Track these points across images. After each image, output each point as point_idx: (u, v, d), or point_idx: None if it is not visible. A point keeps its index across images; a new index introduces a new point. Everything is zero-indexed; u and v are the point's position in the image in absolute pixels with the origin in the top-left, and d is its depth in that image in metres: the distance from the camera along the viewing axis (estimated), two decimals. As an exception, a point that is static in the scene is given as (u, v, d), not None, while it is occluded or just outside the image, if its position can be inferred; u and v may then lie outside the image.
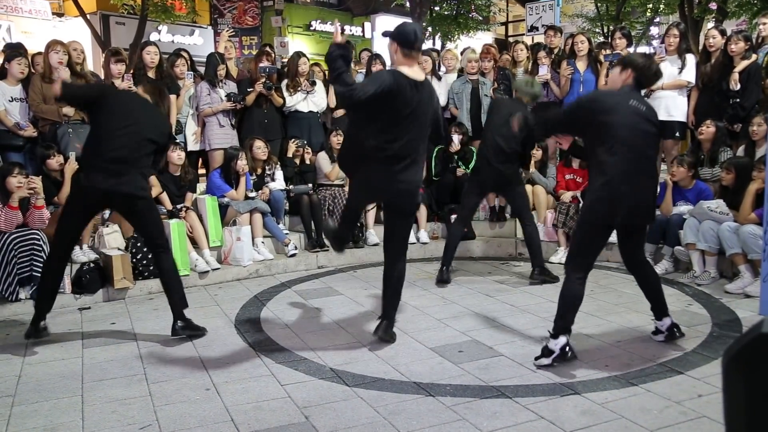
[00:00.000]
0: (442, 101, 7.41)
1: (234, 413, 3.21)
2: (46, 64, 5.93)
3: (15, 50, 6.21)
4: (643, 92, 6.73)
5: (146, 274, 5.55)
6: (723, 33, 6.74)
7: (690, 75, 6.57)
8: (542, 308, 4.86)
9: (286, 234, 6.49)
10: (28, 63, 6.08)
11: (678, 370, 3.62)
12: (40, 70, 6.01)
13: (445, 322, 4.61)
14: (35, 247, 4.98)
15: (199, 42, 17.46)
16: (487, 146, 5.64)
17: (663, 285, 5.34)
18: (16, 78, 5.98)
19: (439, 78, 7.49)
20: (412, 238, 6.85)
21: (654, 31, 19.42)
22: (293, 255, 6.36)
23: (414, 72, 3.87)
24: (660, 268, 5.74)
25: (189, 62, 6.92)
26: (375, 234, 6.80)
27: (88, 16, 14.08)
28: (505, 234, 7.01)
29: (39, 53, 6.26)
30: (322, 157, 7.00)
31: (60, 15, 16.40)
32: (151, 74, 6.48)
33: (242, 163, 6.35)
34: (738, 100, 6.30)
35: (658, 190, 6.34)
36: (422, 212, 6.97)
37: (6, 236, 4.91)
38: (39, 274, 4.98)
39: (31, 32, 14.91)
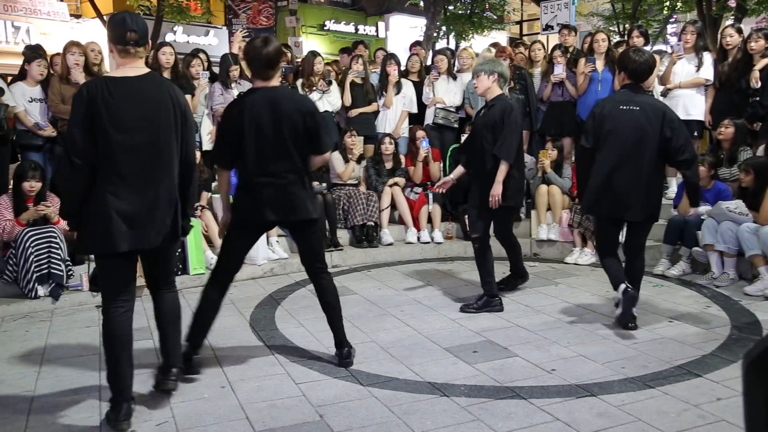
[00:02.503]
0: (457, 101, 7.40)
1: (249, 411, 3.22)
2: (64, 65, 6.00)
3: (34, 52, 6.28)
4: (660, 90, 6.75)
5: (162, 272, 5.58)
6: (739, 31, 6.68)
7: (708, 73, 6.51)
8: (557, 308, 4.84)
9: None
10: (47, 64, 6.16)
11: (696, 373, 3.58)
12: (59, 71, 6.08)
13: (460, 322, 4.60)
14: (52, 244, 5.05)
15: (214, 42, 17.53)
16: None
17: (680, 286, 5.36)
18: (35, 79, 6.05)
19: (455, 77, 7.47)
20: (426, 238, 6.86)
21: (671, 29, 19.24)
22: (308, 254, 6.36)
23: None
24: (677, 270, 5.70)
25: (205, 62, 6.97)
26: (389, 234, 6.80)
27: (105, 17, 14.18)
28: (519, 234, 6.95)
29: (58, 54, 6.34)
30: (336, 157, 7.00)
31: (77, 16, 16.56)
32: (166, 74, 6.53)
33: None
34: (758, 98, 6.23)
35: (676, 189, 6.32)
36: (436, 212, 6.96)
37: (23, 234, 4.98)
38: (57, 271, 5.06)
39: (49, 33, 15.06)
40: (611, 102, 4.37)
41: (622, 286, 4.23)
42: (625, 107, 4.21)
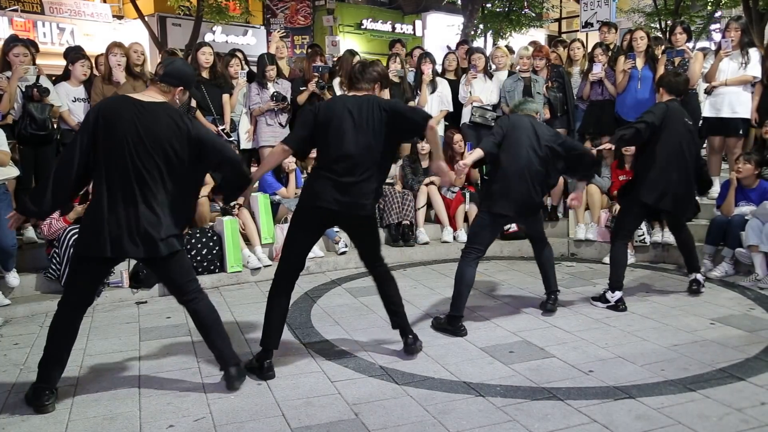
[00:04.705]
0: (494, 99, 7.34)
1: (285, 408, 3.25)
2: (107, 66, 6.14)
3: (77, 53, 6.44)
4: (704, 88, 6.59)
5: (200, 270, 5.65)
6: (788, 27, 6.50)
7: (755, 69, 6.33)
8: (595, 310, 4.77)
9: (337, 232, 6.52)
10: (90, 64, 6.31)
11: (739, 377, 3.50)
12: (102, 71, 6.23)
13: (496, 322, 4.57)
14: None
15: (252, 42, 17.74)
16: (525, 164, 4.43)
17: (723, 288, 5.24)
18: (78, 79, 6.20)
19: (491, 76, 7.41)
20: (462, 237, 6.82)
21: (715, 25, 18.76)
22: (343, 252, 6.40)
23: None
24: (720, 271, 5.57)
25: (243, 62, 7.05)
26: (425, 233, 6.79)
27: (146, 18, 14.45)
28: (557, 234, 6.89)
29: (101, 55, 6.50)
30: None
31: (120, 17, 16.92)
32: (205, 74, 6.63)
33: (288, 160, 6.41)
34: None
35: (719, 189, 6.17)
36: (473, 211, 6.90)
37: (66, 232, 5.09)
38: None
39: (92, 35, 15.44)
40: (677, 115, 4.84)
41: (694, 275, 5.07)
42: (688, 119, 4.89)
